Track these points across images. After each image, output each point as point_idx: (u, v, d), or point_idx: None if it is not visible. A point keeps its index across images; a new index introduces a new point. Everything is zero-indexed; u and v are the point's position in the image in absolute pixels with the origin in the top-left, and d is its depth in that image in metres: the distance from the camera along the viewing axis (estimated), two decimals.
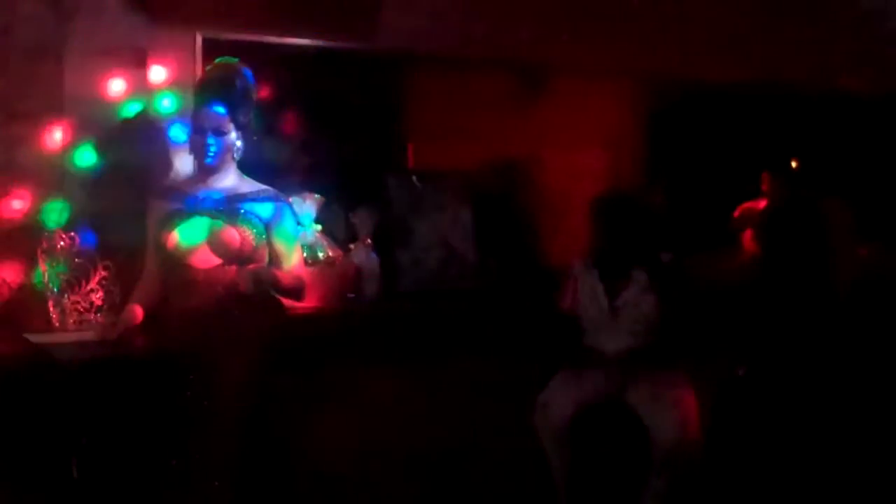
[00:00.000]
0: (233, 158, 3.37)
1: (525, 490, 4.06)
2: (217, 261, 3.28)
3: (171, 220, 3.32)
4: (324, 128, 5.28)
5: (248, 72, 3.38)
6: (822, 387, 4.95)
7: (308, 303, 3.89)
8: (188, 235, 3.28)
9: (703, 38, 5.75)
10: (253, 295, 3.24)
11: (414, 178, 5.03)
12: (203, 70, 3.89)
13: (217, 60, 3.45)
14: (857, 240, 5.82)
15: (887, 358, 5.37)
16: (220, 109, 3.28)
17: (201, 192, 3.35)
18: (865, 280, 5.62)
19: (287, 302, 3.54)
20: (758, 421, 4.78)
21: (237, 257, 3.28)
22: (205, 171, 3.36)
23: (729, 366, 4.98)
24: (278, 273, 3.36)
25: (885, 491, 4.32)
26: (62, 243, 3.67)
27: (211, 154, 3.30)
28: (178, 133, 4.06)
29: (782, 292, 5.42)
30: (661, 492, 3.78)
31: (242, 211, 3.32)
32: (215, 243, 3.27)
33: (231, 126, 3.31)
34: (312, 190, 4.39)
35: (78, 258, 3.68)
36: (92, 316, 3.64)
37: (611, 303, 4.08)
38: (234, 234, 3.27)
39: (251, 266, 3.27)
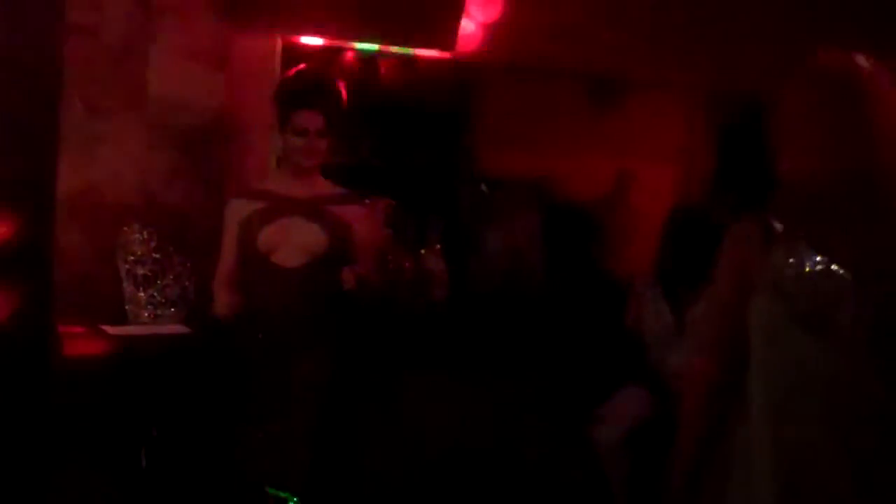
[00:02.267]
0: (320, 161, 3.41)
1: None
2: (302, 261, 3.31)
3: (258, 219, 3.36)
4: (397, 133, 5.31)
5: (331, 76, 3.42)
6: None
7: (383, 305, 3.91)
8: (276, 235, 3.32)
9: (770, 53, 5.70)
10: (337, 295, 3.27)
11: (483, 185, 5.04)
12: (284, 72, 3.93)
13: (303, 65, 3.47)
14: None
15: None
16: (322, 113, 3.32)
17: (287, 193, 3.39)
18: None
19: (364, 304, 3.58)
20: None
21: (324, 258, 3.31)
22: (294, 172, 3.39)
23: None
24: (374, 275, 3.39)
25: None
26: (140, 238, 3.73)
27: (313, 156, 3.34)
28: None
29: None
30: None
31: (328, 212, 3.35)
32: (305, 243, 3.30)
33: (327, 130, 3.35)
34: (384, 195, 4.42)
35: (155, 253, 3.73)
36: (166, 310, 3.70)
37: (676, 320, 4.04)
38: (322, 235, 3.31)
39: (358, 268, 3.30)
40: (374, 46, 4.78)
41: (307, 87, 3.35)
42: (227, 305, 3.41)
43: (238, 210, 3.41)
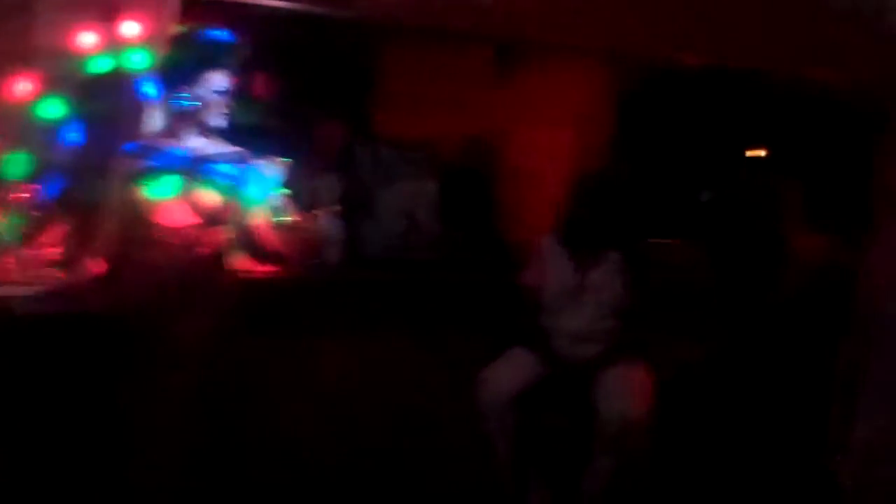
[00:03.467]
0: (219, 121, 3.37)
1: (474, 464, 4.10)
2: (190, 220, 3.27)
3: (141, 176, 3.30)
4: (294, 93, 5.25)
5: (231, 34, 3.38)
6: (771, 374, 5.06)
7: (270, 267, 3.89)
8: (159, 192, 3.27)
9: (676, 19, 5.78)
10: (218, 256, 3.25)
11: (381, 146, 5.02)
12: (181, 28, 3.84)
13: (203, 22, 3.41)
14: (815, 229, 5.93)
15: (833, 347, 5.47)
16: (224, 72, 3.28)
17: (172, 150, 3.34)
18: (822, 270, 5.73)
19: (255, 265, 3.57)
20: (708, 405, 4.87)
21: (212, 218, 3.28)
22: (188, 130, 3.34)
23: (683, 350, 5.08)
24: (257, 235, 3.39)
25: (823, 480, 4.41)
26: (22, 195, 3.64)
27: (213, 116, 3.30)
28: (149, 89, 4.02)
29: (733, 277, 5.51)
30: (606, 471, 3.83)
31: (212, 171, 3.31)
32: (194, 203, 3.26)
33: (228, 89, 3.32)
34: (279, 154, 4.36)
35: (37, 211, 3.65)
36: (50, 270, 3.61)
37: (578, 281, 4.09)
38: (212, 194, 3.27)
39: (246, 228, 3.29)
40: (275, 3, 4.69)
41: (210, 45, 3.30)
42: (107, 264, 3.37)
43: (125, 167, 3.36)
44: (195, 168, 3.30)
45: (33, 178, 3.75)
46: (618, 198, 4.16)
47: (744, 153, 6.79)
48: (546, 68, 6.04)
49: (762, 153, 6.87)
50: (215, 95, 3.27)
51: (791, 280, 5.55)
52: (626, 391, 3.83)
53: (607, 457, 3.80)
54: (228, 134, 3.47)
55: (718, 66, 6.36)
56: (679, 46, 6.05)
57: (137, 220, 3.27)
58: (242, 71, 3.38)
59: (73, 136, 3.96)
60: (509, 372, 3.94)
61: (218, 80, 3.27)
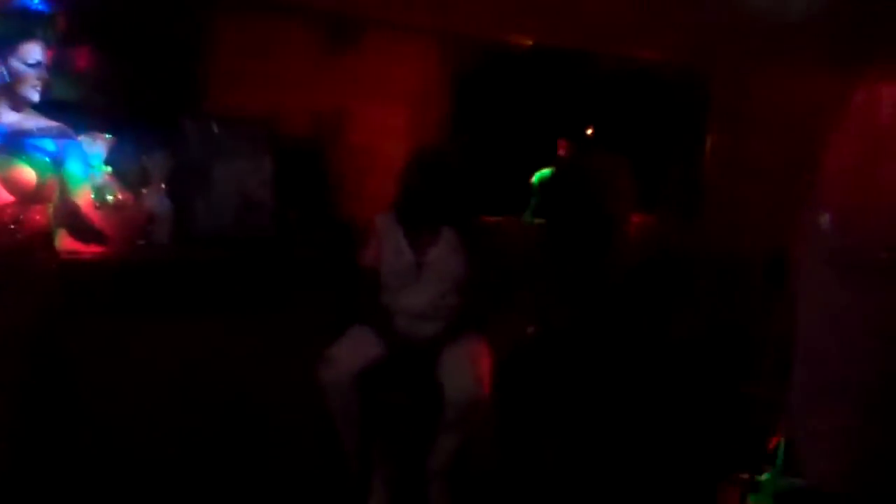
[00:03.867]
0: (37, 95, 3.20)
1: (317, 444, 4.03)
2: (10, 198, 3.09)
3: None
4: (120, 66, 5.01)
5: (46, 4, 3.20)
6: (606, 346, 5.19)
7: (96, 247, 3.71)
8: None
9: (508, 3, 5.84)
10: (39, 236, 3.10)
11: (212, 122, 4.85)
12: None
13: None
14: (641, 205, 6.12)
15: (664, 320, 5.69)
16: (43, 45, 3.12)
17: None
18: (651, 244, 5.93)
19: (79, 245, 3.42)
20: (546, 380, 4.96)
21: (33, 196, 3.11)
22: (5, 105, 3.16)
23: (520, 325, 5.15)
24: (81, 213, 3.24)
25: (661, 449, 4.56)
26: None
27: (31, 89, 3.15)
28: None
29: (565, 255, 5.64)
30: (451, 449, 3.82)
31: (28, 147, 3.14)
32: (12, 180, 3.08)
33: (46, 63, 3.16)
34: (104, 130, 4.16)
35: None
36: None
37: (416, 259, 4.06)
38: (29, 171, 3.10)
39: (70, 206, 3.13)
40: None
41: (23, 15, 3.14)
42: None
43: None
44: (10, 144, 3.13)
45: None
46: (452, 175, 4.16)
47: (575, 133, 6.92)
48: (382, 45, 5.99)
49: (591, 132, 7.02)
50: (30, 68, 3.13)
51: (622, 258, 5.71)
52: (467, 368, 3.83)
53: (451, 434, 3.79)
54: (47, 109, 3.31)
55: (549, 46, 6.46)
56: (510, 27, 6.12)
57: None
58: (60, 43, 3.24)
59: None
60: (352, 350, 3.88)
61: (32, 52, 3.13)
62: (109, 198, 4.02)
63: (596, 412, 4.80)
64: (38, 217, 3.14)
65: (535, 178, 7.25)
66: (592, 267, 5.56)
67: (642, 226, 6.19)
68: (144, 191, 4.37)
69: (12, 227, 3.08)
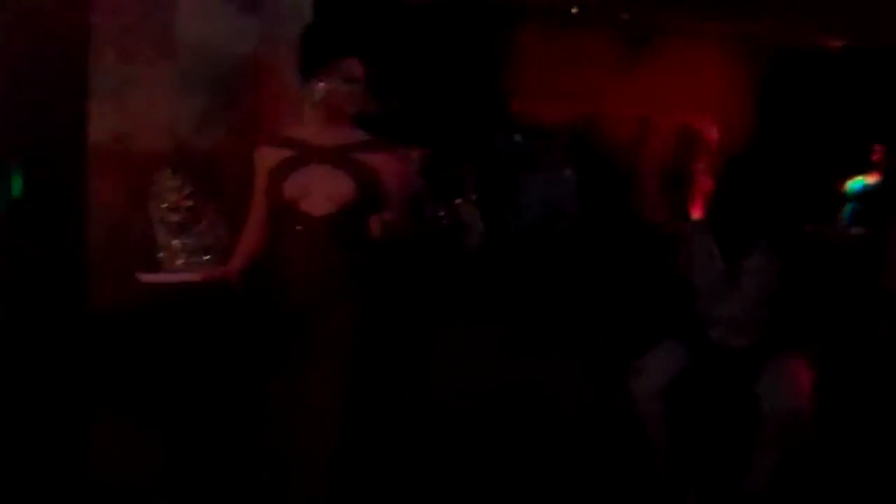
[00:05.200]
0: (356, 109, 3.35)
1: (625, 455, 3.99)
2: (331, 209, 3.25)
3: (286, 166, 3.30)
4: (432, 82, 5.21)
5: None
6: None
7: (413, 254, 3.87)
8: (304, 183, 3.26)
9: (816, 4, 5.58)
10: (367, 244, 3.24)
11: (518, 134, 4.95)
12: (317, 17, 3.85)
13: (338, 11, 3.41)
14: None
15: None
16: (361, 60, 3.27)
17: (317, 141, 3.33)
18: None
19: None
20: (869, 398, 4.66)
21: (353, 206, 3.26)
22: (325, 119, 3.33)
23: (839, 341, 4.86)
24: (405, 223, 3.36)
25: None
26: (172, 184, 3.66)
27: (350, 104, 3.29)
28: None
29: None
30: (768, 467, 3.66)
31: (357, 160, 3.29)
32: (333, 191, 3.25)
33: (365, 77, 3.30)
34: (418, 144, 4.33)
35: (187, 200, 3.67)
36: (200, 258, 3.63)
37: (729, 268, 3.93)
38: (350, 183, 3.25)
39: (386, 215, 3.26)
40: None
41: (347, 33, 3.28)
42: (252, 252, 3.39)
43: (267, 158, 3.36)
44: (343, 156, 3.29)
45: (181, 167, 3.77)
46: (766, 182, 4.00)
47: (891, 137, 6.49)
48: (683, 53, 5.90)
49: None
50: (348, 84, 3.25)
51: None
52: (787, 382, 3.67)
53: (768, 451, 3.64)
54: (370, 124, 3.45)
55: (860, 47, 6.12)
56: (818, 29, 5.84)
57: (285, 211, 3.27)
58: (374, 57, 3.37)
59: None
60: (662, 361, 3.81)
61: (351, 68, 3.24)
62: (426, 208, 4.22)
63: None
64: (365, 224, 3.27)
65: (850, 185, 6.86)
66: None
67: None
68: (457, 201, 4.51)
69: (335, 235, 3.23)
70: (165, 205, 3.65)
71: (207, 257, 3.65)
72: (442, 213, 4.24)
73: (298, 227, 3.26)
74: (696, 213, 4.11)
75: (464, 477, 3.97)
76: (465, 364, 4.13)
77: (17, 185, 3.58)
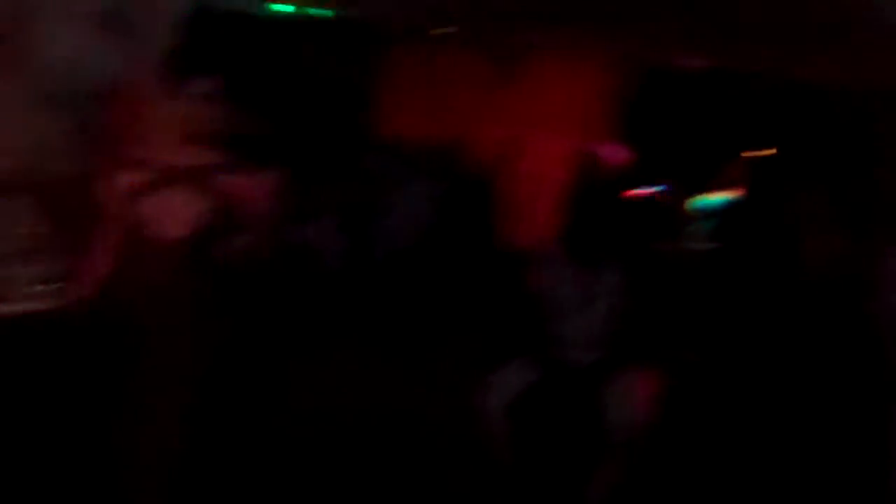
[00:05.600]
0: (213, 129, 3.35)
1: (471, 468, 4.04)
2: (186, 231, 3.24)
3: (141, 189, 3.28)
4: (294, 100, 5.21)
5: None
6: (782, 373, 5.00)
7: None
8: (160, 205, 3.24)
9: (678, 25, 5.76)
10: (224, 267, 3.26)
11: (383, 154, 4.98)
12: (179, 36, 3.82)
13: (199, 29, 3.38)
14: (830, 228, 5.87)
15: (851, 345, 5.43)
16: (220, 79, 3.28)
17: (174, 161, 3.31)
18: (837, 269, 5.68)
19: None
20: (711, 407, 4.82)
21: (210, 229, 3.27)
22: (183, 140, 3.32)
23: (685, 353, 5.03)
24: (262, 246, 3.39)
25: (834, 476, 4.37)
26: (20, 209, 3.59)
27: (207, 124, 3.32)
28: None
29: (749, 281, 5.46)
30: (614, 476, 3.78)
31: (214, 182, 3.29)
32: (189, 214, 3.25)
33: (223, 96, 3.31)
34: (277, 164, 4.32)
35: (34, 226, 3.60)
36: (46, 286, 3.57)
37: (580, 287, 4.03)
38: (206, 205, 3.26)
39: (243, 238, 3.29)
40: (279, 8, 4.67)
41: (206, 52, 3.28)
42: (102, 278, 3.35)
43: (120, 180, 3.32)
44: (191, 178, 3.28)
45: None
46: (616, 203, 4.13)
47: (748, 155, 6.74)
48: (550, 72, 6.02)
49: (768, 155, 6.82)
50: (206, 104, 3.25)
51: (810, 283, 5.50)
52: (630, 397, 3.80)
53: (615, 464, 3.76)
54: (228, 143, 3.44)
55: (719, 67, 6.33)
56: (685, 50, 6.03)
57: (136, 234, 3.25)
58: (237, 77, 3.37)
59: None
60: (509, 379, 3.90)
61: (210, 88, 3.25)
62: (284, 229, 4.21)
63: (761, 440, 4.65)
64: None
65: (708, 201, 7.08)
66: (777, 292, 5.38)
67: (828, 248, 5.95)
68: (317, 222, 4.52)
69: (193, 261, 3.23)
70: (12, 230, 3.58)
71: (54, 286, 3.59)
72: (303, 236, 4.24)
73: (151, 251, 3.24)
74: (552, 234, 4.18)
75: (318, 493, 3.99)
76: (319, 386, 4.14)
77: None
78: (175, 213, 3.22)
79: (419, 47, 5.59)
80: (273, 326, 3.92)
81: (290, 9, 4.76)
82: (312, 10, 4.96)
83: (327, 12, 5.02)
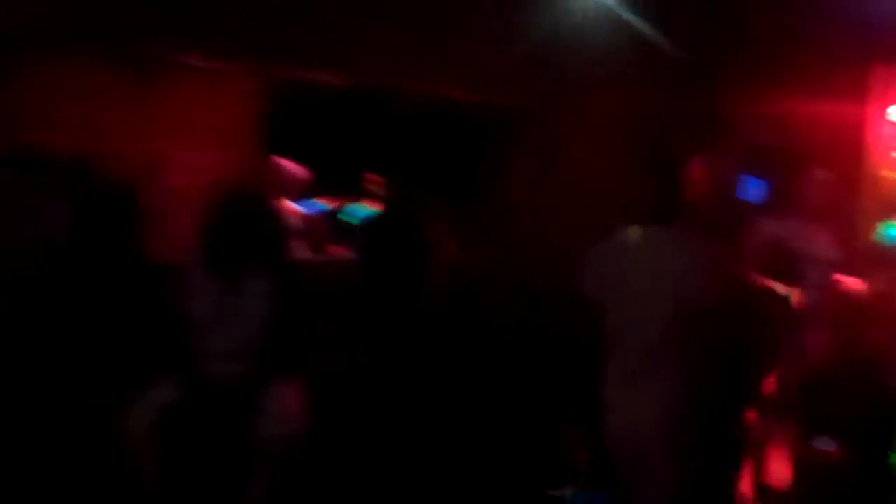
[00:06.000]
0: None
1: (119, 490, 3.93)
2: None
3: None
4: None
5: None
6: (423, 380, 5.28)
7: None
8: None
9: (313, 41, 5.90)
10: None
11: (10, 165, 4.71)
12: None
13: None
14: (456, 240, 6.28)
15: (480, 348, 5.84)
16: None
17: None
18: (457, 275, 6.08)
19: None
20: (359, 416, 5.00)
21: None
22: None
23: (333, 362, 5.17)
24: None
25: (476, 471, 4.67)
26: None
27: None
28: None
29: (382, 291, 5.71)
30: (262, 490, 3.80)
31: None
32: None
33: None
34: None
35: None
36: None
37: (222, 300, 3.99)
38: None
39: None
40: None
41: None
42: None
43: None
44: None
45: None
46: (257, 214, 4.11)
47: (388, 171, 7.02)
48: (192, 86, 5.97)
49: (403, 170, 7.14)
50: None
51: (438, 292, 5.83)
52: (279, 408, 3.81)
53: (263, 476, 3.77)
54: None
55: (359, 85, 6.55)
56: (320, 66, 6.18)
57: None
58: None
59: None
60: (158, 395, 3.81)
61: None
62: None
63: (409, 440, 4.88)
64: None
65: (344, 215, 7.32)
66: (409, 303, 5.66)
67: (456, 258, 6.33)
68: None
69: None
70: None
71: None
72: None
73: None
74: (193, 247, 4.11)
75: None
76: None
77: None
78: None
79: (57, 59, 5.34)
80: None
81: None
82: None
83: None
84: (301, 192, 6.26)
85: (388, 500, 4.53)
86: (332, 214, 7.24)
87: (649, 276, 3.49)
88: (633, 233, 3.55)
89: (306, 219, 6.29)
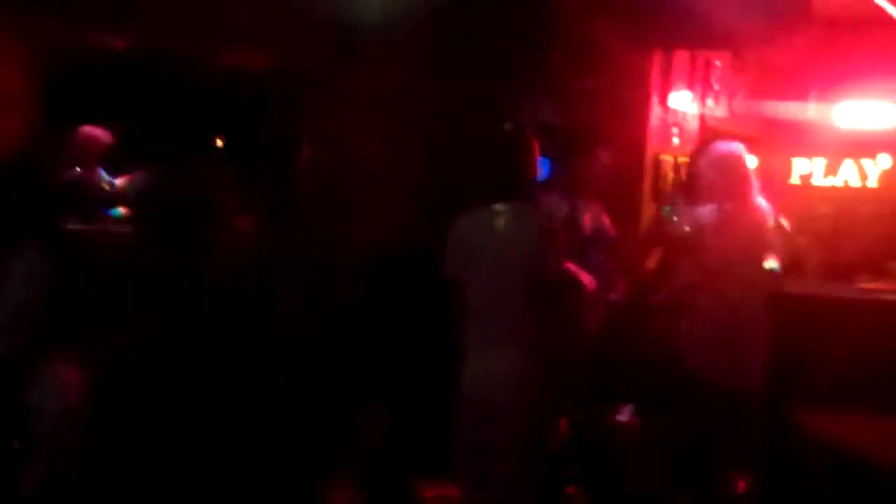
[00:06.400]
0: None
1: None
2: None
3: None
4: None
5: None
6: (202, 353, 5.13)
7: None
8: None
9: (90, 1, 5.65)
10: None
11: None
12: None
13: None
14: (248, 212, 6.14)
15: (263, 326, 5.74)
16: None
17: None
18: (246, 251, 5.95)
19: None
20: (138, 391, 4.81)
21: None
22: None
23: (110, 337, 4.95)
24: None
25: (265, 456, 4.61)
26: None
27: None
28: None
29: (160, 264, 5.50)
30: (40, 473, 3.60)
31: None
32: None
33: None
34: None
35: None
36: None
37: None
38: None
39: None
40: None
41: None
42: None
43: None
44: None
45: None
46: (29, 184, 3.90)
47: (172, 138, 6.79)
48: None
49: (191, 138, 6.93)
50: None
51: (222, 266, 5.67)
52: (54, 385, 3.63)
53: (40, 457, 3.58)
54: None
55: (145, 49, 6.31)
56: (103, 29, 5.91)
57: None
58: None
59: None
60: None
61: None
62: None
63: (195, 421, 4.76)
64: None
65: (123, 183, 7.05)
66: (189, 275, 5.47)
67: (248, 232, 6.20)
68: None
69: None
70: None
71: None
72: None
73: None
74: None
75: None
76: None
77: None
78: None
79: None
80: None
81: None
82: None
83: None
84: (104, 158, 5.97)
85: (174, 477, 4.42)
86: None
87: (503, 250, 3.97)
88: (489, 210, 3.97)
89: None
